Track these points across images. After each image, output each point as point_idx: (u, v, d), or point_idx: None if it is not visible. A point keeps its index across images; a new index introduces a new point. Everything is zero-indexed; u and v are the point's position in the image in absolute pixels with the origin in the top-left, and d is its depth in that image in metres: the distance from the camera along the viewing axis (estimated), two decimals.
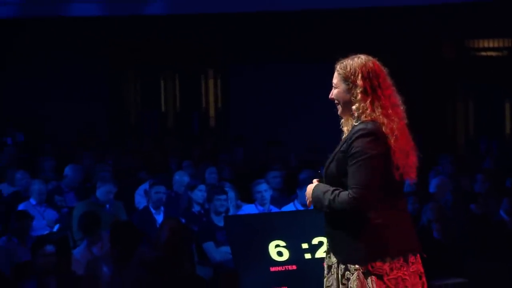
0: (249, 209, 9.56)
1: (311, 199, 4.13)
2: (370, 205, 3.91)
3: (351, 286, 3.98)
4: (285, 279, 6.56)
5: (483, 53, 15.03)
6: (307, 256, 6.56)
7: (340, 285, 4.04)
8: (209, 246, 8.60)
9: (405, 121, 4.09)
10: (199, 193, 9.74)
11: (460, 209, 9.34)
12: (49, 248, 7.34)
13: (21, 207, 9.55)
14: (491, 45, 14.95)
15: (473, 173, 10.95)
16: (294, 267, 6.90)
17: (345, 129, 4.16)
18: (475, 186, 10.26)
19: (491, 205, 9.24)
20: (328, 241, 4.13)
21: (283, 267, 6.86)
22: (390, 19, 13.59)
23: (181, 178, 10.55)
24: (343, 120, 4.18)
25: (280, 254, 6.99)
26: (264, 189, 9.53)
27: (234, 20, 14.17)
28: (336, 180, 4.02)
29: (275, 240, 6.99)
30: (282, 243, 7.00)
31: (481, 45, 15.02)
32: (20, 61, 15.80)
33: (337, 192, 3.95)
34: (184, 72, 16.52)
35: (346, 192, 3.91)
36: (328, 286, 4.12)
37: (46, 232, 9.35)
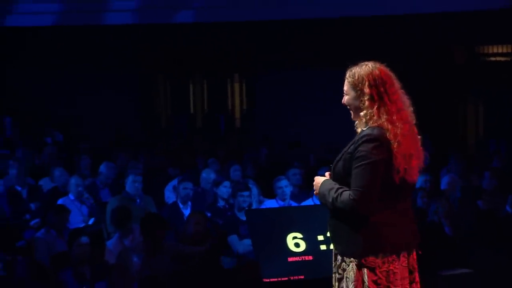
0: (270, 204, 9.55)
1: (318, 192, 4.19)
2: (368, 207, 3.95)
3: (347, 276, 4.05)
4: (302, 268, 6.59)
5: (492, 59, 14.94)
6: (323, 247, 6.58)
7: (337, 274, 4.13)
8: (233, 239, 8.62)
9: (412, 122, 4.10)
10: (224, 189, 9.78)
11: (468, 204, 9.35)
12: (84, 239, 7.39)
13: (60, 201, 9.58)
14: (499, 51, 14.86)
15: (482, 172, 10.94)
16: (311, 257, 6.91)
17: (358, 130, 4.18)
18: (483, 183, 10.25)
19: (498, 201, 9.24)
20: (330, 233, 4.18)
21: (300, 257, 6.89)
22: (405, 26, 13.57)
23: (207, 175, 10.58)
24: (357, 122, 4.21)
25: (297, 245, 7.02)
26: (284, 185, 9.54)
27: (259, 27, 14.20)
28: (342, 179, 4.06)
29: (293, 232, 7.02)
30: (299, 235, 7.02)
31: (490, 51, 14.94)
32: (59, 67, 15.91)
33: (340, 191, 3.99)
34: (212, 77, 16.51)
35: (348, 193, 3.95)
36: (334, 272, 4.20)
37: (82, 225, 9.40)
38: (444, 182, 10.75)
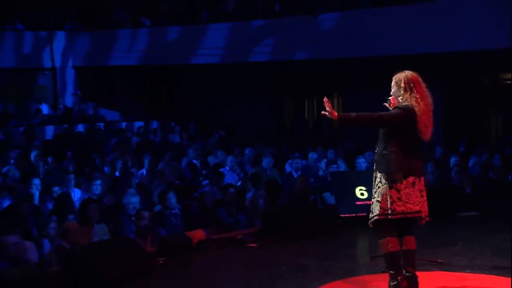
0: None
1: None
2: (385, 122, 4.45)
3: (380, 191, 4.50)
4: (364, 209, 6.73)
5: (509, 82, 14.49)
6: None
7: (376, 188, 4.57)
8: (326, 195, 8.82)
9: (430, 107, 4.51)
10: (322, 164, 10.02)
11: (483, 175, 9.29)
12: (231, 190, 7.82)
13: (221, 170, 9.96)
14: None
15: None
16: (370, 202, 7.15)
17: None
18: (494, 162, 10.14)
19: (503, 173, 9.16)
20: (375, 163, 4.62)
21: (364, 202, 7.14)
22: (449, 61, 13.37)
23: (312, 155, 10.79)
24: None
25: (362, 194, 7.27)
26: (362, 162, 9.66)
27: (350, 62, 14.27)
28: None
29: (359, 186, 7.29)
30: (364, 188, 7.27)
31: (508, 77, 14.51)
32: (224, 90, 16.48)
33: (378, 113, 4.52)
34: (319, 95, 16.59)
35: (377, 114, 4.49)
36: (373, 187, 4.63)
37: None
38: (471, 162, 10.67)
